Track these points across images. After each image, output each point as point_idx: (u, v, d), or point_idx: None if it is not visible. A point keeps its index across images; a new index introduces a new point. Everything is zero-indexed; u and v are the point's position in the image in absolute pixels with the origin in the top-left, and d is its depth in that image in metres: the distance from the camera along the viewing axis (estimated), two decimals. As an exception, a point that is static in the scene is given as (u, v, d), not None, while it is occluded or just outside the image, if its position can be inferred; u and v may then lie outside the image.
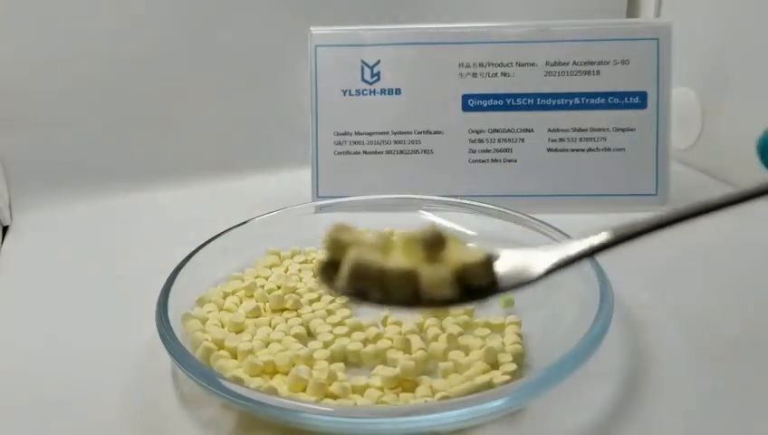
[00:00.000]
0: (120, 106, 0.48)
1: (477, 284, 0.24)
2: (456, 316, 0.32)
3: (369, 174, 0.45)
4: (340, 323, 0.32)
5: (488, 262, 0.24)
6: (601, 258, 0.32)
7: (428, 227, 0.24)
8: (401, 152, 0.45)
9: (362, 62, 0.45)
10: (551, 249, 0.25)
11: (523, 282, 0.24)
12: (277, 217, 0.38)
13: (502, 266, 0.25)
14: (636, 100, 0.44)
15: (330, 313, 0.33)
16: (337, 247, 0.25)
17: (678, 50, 0.43)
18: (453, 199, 0.40)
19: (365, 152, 0.45)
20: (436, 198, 0.40)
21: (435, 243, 0.24)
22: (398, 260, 0.24)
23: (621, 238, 0.24)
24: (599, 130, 0.44)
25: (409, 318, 0.32)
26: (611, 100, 0.44)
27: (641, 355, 0.30)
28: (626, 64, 0.44)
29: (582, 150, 0.44)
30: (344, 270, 0.24)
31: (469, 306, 0.33)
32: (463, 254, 0.24)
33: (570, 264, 0.24)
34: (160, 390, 0.29)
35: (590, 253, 0.24)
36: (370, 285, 0.24)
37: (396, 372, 0.29)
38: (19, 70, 0.46)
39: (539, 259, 0.25)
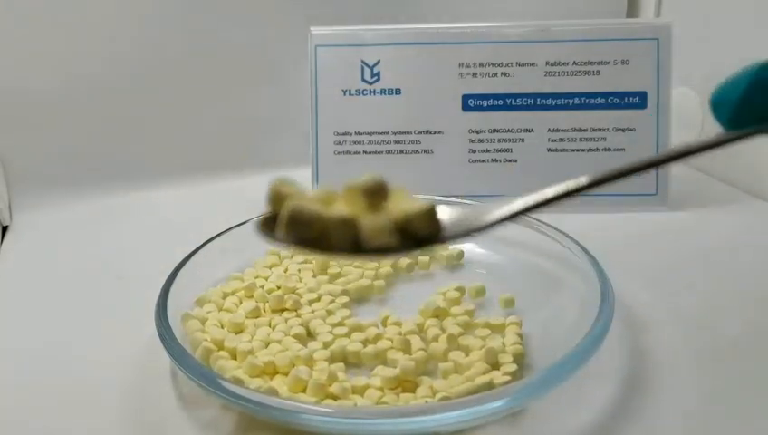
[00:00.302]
0: (120, 106, 0.48)
1: (421, 233, 0.24)
2: (456, 316, 0.32)
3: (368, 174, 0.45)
4: (340, 324, 0.32)
5: (431, 211, 0.24)
6: (602, 259, 0.32)
7: (370, 176, 0.24)
8: (401, 152, 0.45)
9: (362, 62, 0.44)
10: (501, 201, 0.25)
11: (469, 230, 0.24)
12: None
13: (447, 216, 0.25)
14: (636, 100, 0.44)
15: (329, 313, 0.33)
16: (278, 200, 0.24)
17: (678, 50, 0.43)
18: (453, 199, 0.39)
19: (365, 152, 0.45)
20: (436, 198, 0.39)
21: (376, 191, 0.24)
22: (339, 209, 0.24)
23: (571, 191, 0.24)
24: (599, 130, 0.44)
25: (409, 318, 0.32)
26: (611, 100, 0.44)
27: (642, 355, 0.30)
28: (626, 64, 0.44)
29: (582, 150, 0.44)
30: (282, 218, 0.24)
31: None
32: (406, 204, 0.24)
33: (520, 214, 0.24)
34: (160, 390, 0.29)
35: (541, 204, 0.24)
36: (309, 233, 0.24)
37: (396, 373, 0.28)
38: (18, 70, 0.46)
39: (488, 209, 0.25)
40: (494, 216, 0.25)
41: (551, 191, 0.25)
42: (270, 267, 0.37)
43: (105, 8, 0.47)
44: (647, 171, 0.25)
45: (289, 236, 0.24)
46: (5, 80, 0.46)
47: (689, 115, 0.49)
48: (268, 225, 0.25)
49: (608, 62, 0.44)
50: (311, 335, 0.32)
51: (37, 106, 0.47)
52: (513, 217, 0.25)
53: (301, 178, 0.45)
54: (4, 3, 0.45)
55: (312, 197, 0.25)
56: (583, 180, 0.25)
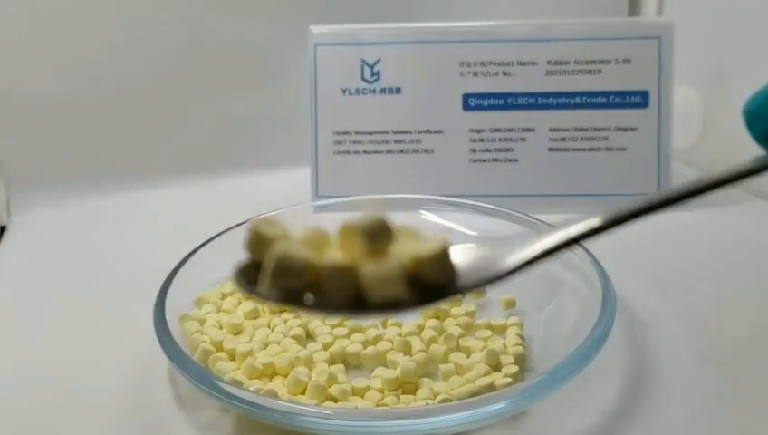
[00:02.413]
0: (117, 106, 0.48)
1: (433, 280, 0.20)
2: (456, 317, 0.32)
3: (368, 174, 0.44)
4: (340, 325, 0.32)
5: (444, 254, 0.20)
6: (603, 259, 0.32)
7: (370, 214, 0.20)
8: (401, 152, 0.45)
9: (362, 60, 0.44)
10: (521, 239, 0.22)
11: (488, 278, 0.21)
12: (276, 218, 0.37)
13: (462, 259, 0.21)
14: (637, 99, 0.44)
15: (329, 314, 0.33)
16: (259, 244, 0.21)
17: (680, 49, 0.43)
18: (453, 199, 0.39)
19: (365, 152, 0.45)
20: (437, 197, 0.39)
21: (378, 233, 0.20)
22: (336, 255, 0.20)
23: (600, 228, 0.22)
24: (600, 129, 0.44)
25: (410, 320, 0.32)
26: (613, 99, 0.44)
27: (645, 357, 0.30)
28: (627, 63, 0.43)
29: (584, 150, 0.44)
30: (267, 267, 0.20)
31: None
32: (414, 246, 0.20)
33: (542, 258, 0.21)
34: (158, 392, 0.29)
35: (567, 244, 0.21)
36: (300, 287, 0.20)
37: (396, 375, 0.28)
38: (15, 71, 0.46)
39: (506, 252, 0.21)
40: (513, 261, 0.21)
41: (573, 230, 0.22)
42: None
43: (103, 8, 0.47)
44: (675, 205, 0.23)
45: (274, 288, 0.20)
46: (3, 81, 0.46)
47: (691, 115, 0.49)
48: (247, 275, 0.21)
49: (609, 61, 0.43)
50: (310, 336, 0.32)
51: (35, 106, 0.47)
52: (534, 261, 0.21)
53: (300, 177, 0.45)
54: (3, 3, 0.45)
55: (300, 240, 0.21)
56: (609, 216, 0.22)
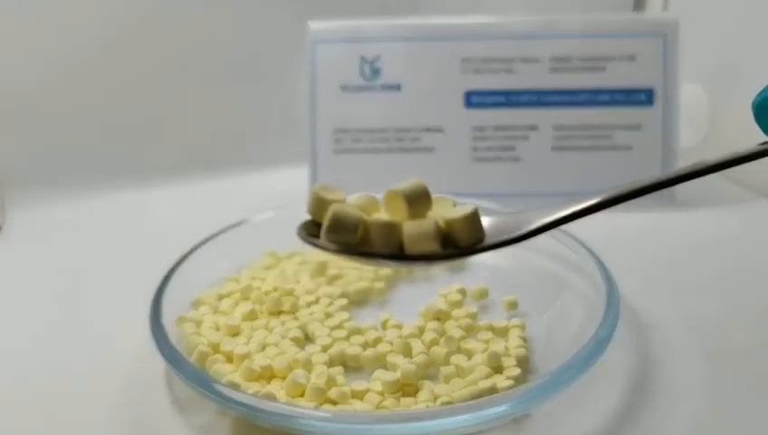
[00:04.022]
0: (114, 104, 0.48)
1: (463, 239, 0.24)
2: (458, 319, 0.32)
3: (368, 172, 0.44)
4: (339, 327, 0.31)
5: (474, 217, 0.24)
6: (607, 259, 0.32)
7: (412, 181, 0.24)
8: (402, 150, 0.44)
9: (362, 57, 0.44)
10: (542, 210, 0.26)
11: (510, 238, 0.25)
12: (274, 217, 0.37)
13: (489, 223, 0.25)
14: (642, 97, 0.43)
15: (328, 316, 0.32)
16: (319, 205, 0.25)
17: (686, 45, 0.43)
18: (455, 199, 0.39)
19: (364, 150, 0.44)
20: (438, 197, 0.39)
21: (417, 198, 0.24)
22: (382, 215, 0.25)
23: (612, 200, 0.25)
24: (604, 127, 0.44)
25: (410, 321, 0.32)
26: (617, 97, 0.43)
27: (649, 358, 0.30)
28: (632, 60, 0.43)
29: (588, 149, 0.44)
30: (325, 223, 0.24)
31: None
32: (449, 210, 0.25)
33: (562, 222, 0.25)
34: (154, 394, 0.28)
35: (581, 214, 0.25)
36: (352, 238, 0.24)
37: (396, 377, 0.28)
38: (10, 69, 0.46)
39: (529, 218, 0.25)
40: (534, 224, 0.25)
41: (594, 199, 0.25)
42: (267, 269, 0.36)
43: (99, 6, 0.47)
44: (687, 180, 0.26)
45: (331, 241, 0.24)
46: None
47: (697, 113, 0.49)
48: (309, 229, 0.25)
49: (614, 58, 0.43)
50: (309, 338, 0.31)
51: (29, 106, 0.47)
52: (553, 225, 0.25)
53: (299, 176, 0.45)
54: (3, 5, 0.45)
55: (353, 202, 0.25)
56: (624, 188, 0.25)
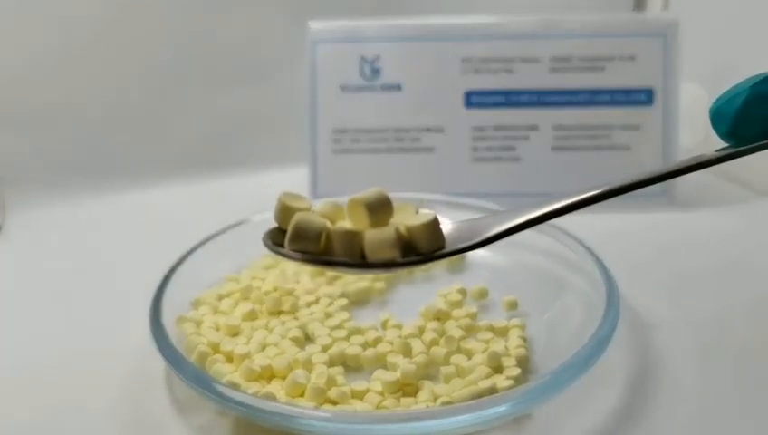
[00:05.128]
0: (113, 105, 0.48)
1: (423, 245, 0.25)
2: (458, 319, 0.32)
3: (368, 172, 0.44)
4: (339, 327, 0.31)
5: (434, 224, 0.25)
6: (607, 259, 0.32)
7: (373, 190, 0.25)
8: (401, 150, 0.44)
9: (362, 57, 0.44)
10: (504, 214, 0.26)
11: (471, 244, 0.25)
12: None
13: (450, 229, 0.26)
14: (642, 97, 0.43)
15: (328, 316, 0.32)
16: (285, 213, 0.26)
17: (686, 45, 0.43)
18: (454, 199, 0.39)
19: (364, 150, 0.44)
20: (438, 197, 0.39)
21: (379, 206, 0.25)
22: (344, 223, 0.26)
23: (575, 205, 0.25)
24: (604, 127, 0.43)
25: (410, 321, 0.32)
26: (617, 97, 0.43)
27: (649, 358, 0.30)
28: (632, 60, 0.43)
29: (588, 148, 0.44)
30: (288, 232, 0.25)
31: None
32: (410, 217, 0.26)
33: (523, 227, 0.25)
34: (154, 394, 0.28)
35: (543, 218, 0.25)
36: (315, 247, 0.25)
37: (396, 377, 0.28)
38: (9, 70, 0.46)
39: (490, 223, 0.26)
40: (495, 229, 0.25)
41: (555, 204, 0.25)
42: (267, 268, 0.36)
43: (99, 6, 0.46)
44: (656, 182, 0.26)
45: (294, 249, 0.25)
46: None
47: (697, 113, 0.49)
48: (275, 238, 0.26)
49: (613, 58, 0.43)
50: (309, 338, 0.31)
51: (29, 106, 0.46)
52: (514, 230, 0.25)
53: (298, 176, 0.45)
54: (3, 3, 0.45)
55: (317, 211, 0.26)
56: (590, 193, 0.25)
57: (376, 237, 0.24)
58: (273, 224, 0.36)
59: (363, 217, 0.25)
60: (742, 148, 0.25)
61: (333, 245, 0.25)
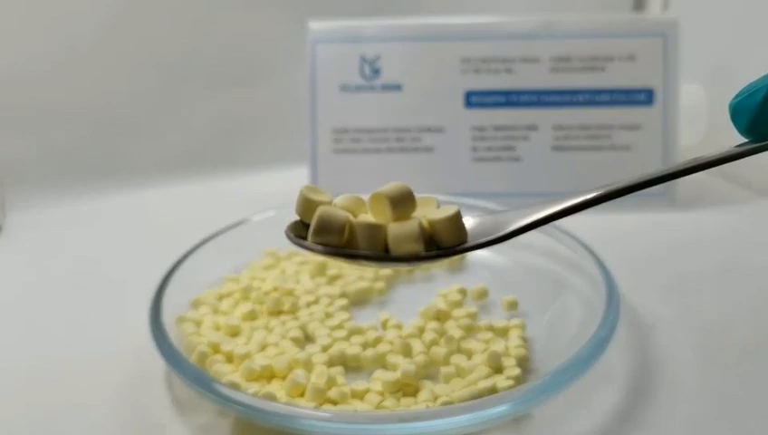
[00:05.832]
0: (113, 105, 0.48)
1: (446, 239, 0.25)
2: (458, 319, 0.32)
3: (368, 172, 0.44)
4: (339, 327, 0.31)
5: (457, 218, 0.25)
6: (608, 260, 0.32)
7: (396, 184, 0.25)
8: (401, 150, 0.44)
9: (362, 57, 0.44)
10: (525, 210, 0.26)
11: (493, 238, 0.25)
12: (274, 217, 0.37)
13: (472, 224, 0.26)
14: (642, 97, 0.43)
15: (328, 316, 0.32)
16: (307, 207, 0.25)
17: (686, 45, 0.43)
18: (454, 199, 0.39)
19: (364, 150, 0.44)
20: (438, 197, 0.39)
21: (402, 199, 0.25)
22: (367, 216, 0.25)
23: (597, 199, 0.25)
24: (604, 127, 0.43)
25: (410, 321, 0.32)
26: (617, 97, 0.43)
27: (649, 359, 0.30)
28: (632, 60, 0.43)
29: (588, 148, 0.44)
30: (312, 224, 0.25)
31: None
32: (432, 211, 0.25)
33: (544, 222, 0.25)
34: (154, 394, 0.28)
35: (564, 213, 0.25)
36: (338, 239, 0.25)
37: (396, 377, 0.28)
38: (10, 69, 0.46)
39: (511, 218, 0.26)
40: (517, 224, 0.25)
41: (576, 199, 0.25)
42: (267, 268, 0.36)
43: (100, 6, 0.46)
44: (667, 181, 0.25)
45: (318, 242, 0.25)
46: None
47: (697, 113, 0.49)
48: (297, 230, 0.26)
49: (613, 59, 0.43)
50: (309, 338, 0.31)
51: (29, 106, 0.46)
52: (536, 224, 0.25)
53: (299, 176, 0.45)
54: (3, 4, 0.45)
55: (338, 204, 0.26)
56: (607, 188, 0.25)
57: (400, 231, 0.24)
58: (273, 224, 0.36)
59: (386, 211, 0.25)
60: (762, 143, 0.24)
61: (357, 238, 0.25)
